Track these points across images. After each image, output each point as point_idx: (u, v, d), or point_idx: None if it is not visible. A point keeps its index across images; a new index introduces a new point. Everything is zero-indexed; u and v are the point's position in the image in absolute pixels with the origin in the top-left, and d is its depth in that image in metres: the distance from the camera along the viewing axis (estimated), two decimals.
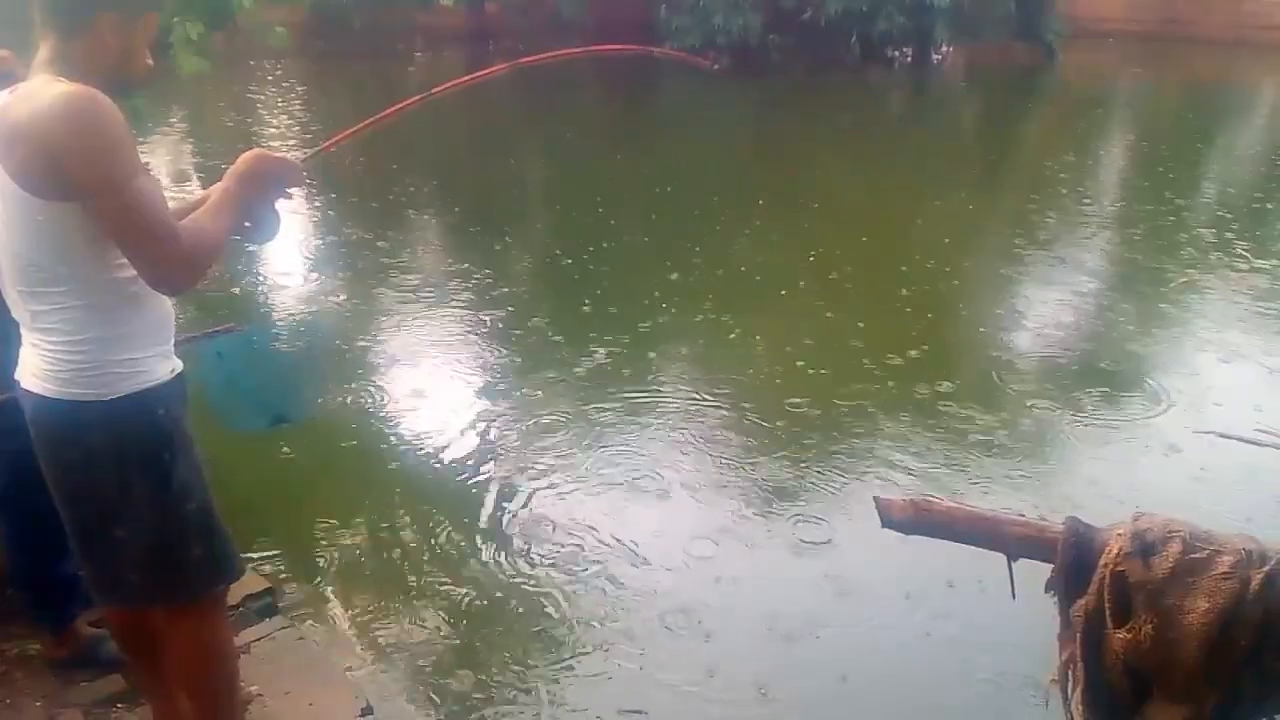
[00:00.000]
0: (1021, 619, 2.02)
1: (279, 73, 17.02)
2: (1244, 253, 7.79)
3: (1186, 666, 1.67)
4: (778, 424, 4.99)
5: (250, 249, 7.18)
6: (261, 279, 7.22)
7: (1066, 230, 8.61)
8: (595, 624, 3.56)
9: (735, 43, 17.36)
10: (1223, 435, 3.39)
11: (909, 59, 19.20)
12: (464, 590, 3.74)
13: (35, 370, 2.02)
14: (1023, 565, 1.90)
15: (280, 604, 3.42)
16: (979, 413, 5.08)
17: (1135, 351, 6.06)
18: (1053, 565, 1.82)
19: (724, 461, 4.66)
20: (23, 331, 2.05)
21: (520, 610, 3.63)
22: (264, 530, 4.00)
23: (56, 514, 2.16)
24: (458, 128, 12.46)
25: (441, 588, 3.76)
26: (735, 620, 3.59)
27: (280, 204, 2.20)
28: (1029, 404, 5.24)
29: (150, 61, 2.08)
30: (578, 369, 5.62)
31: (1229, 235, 8.28)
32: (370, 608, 3.64)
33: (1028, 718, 2.99)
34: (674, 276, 7.12)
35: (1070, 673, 1.80)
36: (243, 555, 2.44)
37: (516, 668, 3.37)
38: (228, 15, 7.34)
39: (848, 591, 3.74)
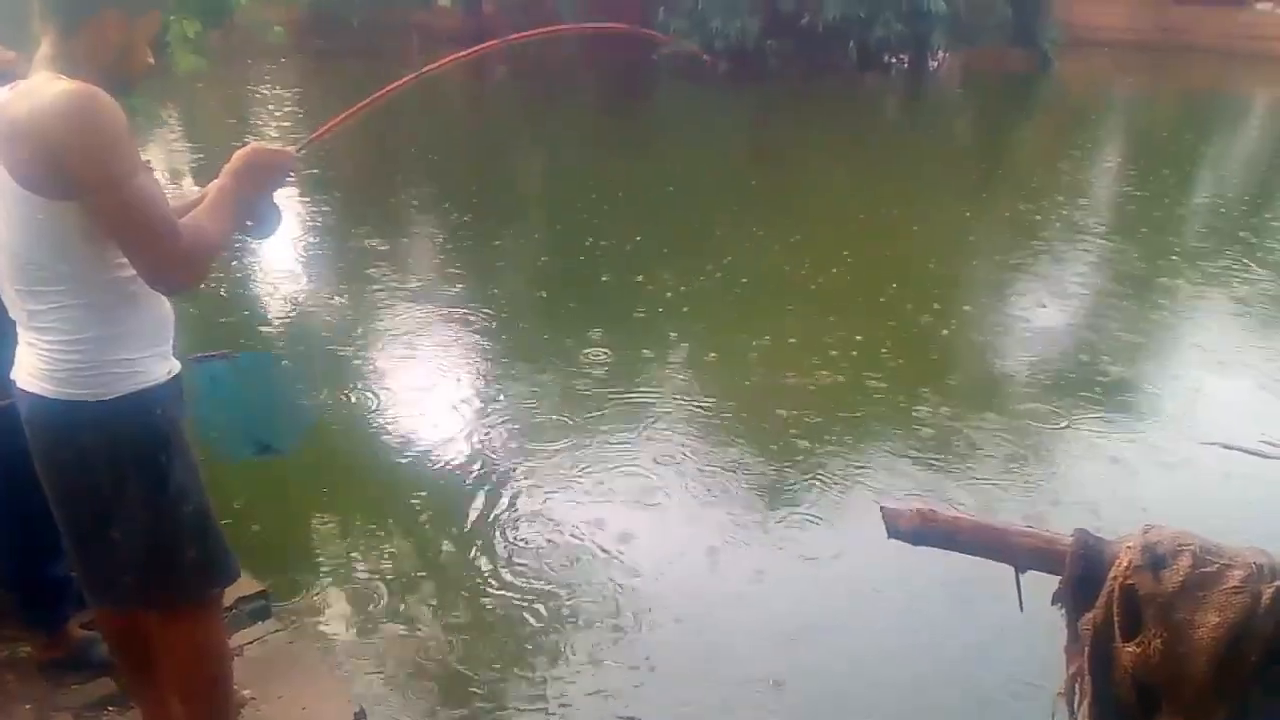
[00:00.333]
0: (1027, 630, 2.00)
1: (276, 71, 16.99)
2: (1244, 260, 7.80)
3: (1196, 681, 1.65)
4: (775, 429, 4.98)
5: (252, 245, 7.15)
6: (252, 279, 7.18)
7: (1064, 237, 8.60)
8: (591, 628, 3.54)
9: (733, 47, 17.36)
10: (1227, 446, 3.37)
11: (906, 65, 19.23)
12: (459, 593, 3.71)
13: (32, 370, 1.99)
14: (1029, 577, 1.88)
15: (274, 607, 3.38)
16: (978, 420, 5.06)
17: (1138, 361, 6.04)
18: (1060, 577, 1.80)
19: (721, 466, 4.64)
20: (19, 330, 2.02)
21: (516, 614, 3.61)
22: (257, 532, 3.97)
23: (48, 515, 2.14)
24: (456, 131, 12.46)
25: (436, 591, 3.74)
26: (735, 624, 3.57)
27: (280, 197, 2.19)
28: (1029, 414, 5.22)
29: (151, 59, 2.06)
30: (574, 371, 5.60)
31: (1227, 243, 8.29)
32: (364, 611, 3.62)
33: None
34: (669, 281, 7.10)
35: (1077, 686, 1.78)
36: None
37: (511, 672, 3.35)
38: (224, 13, 7.32)
39: (851, 598, 3.73)
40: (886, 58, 18.93)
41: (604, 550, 3.95)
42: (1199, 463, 4.59)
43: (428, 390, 5.43)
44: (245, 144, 2.14)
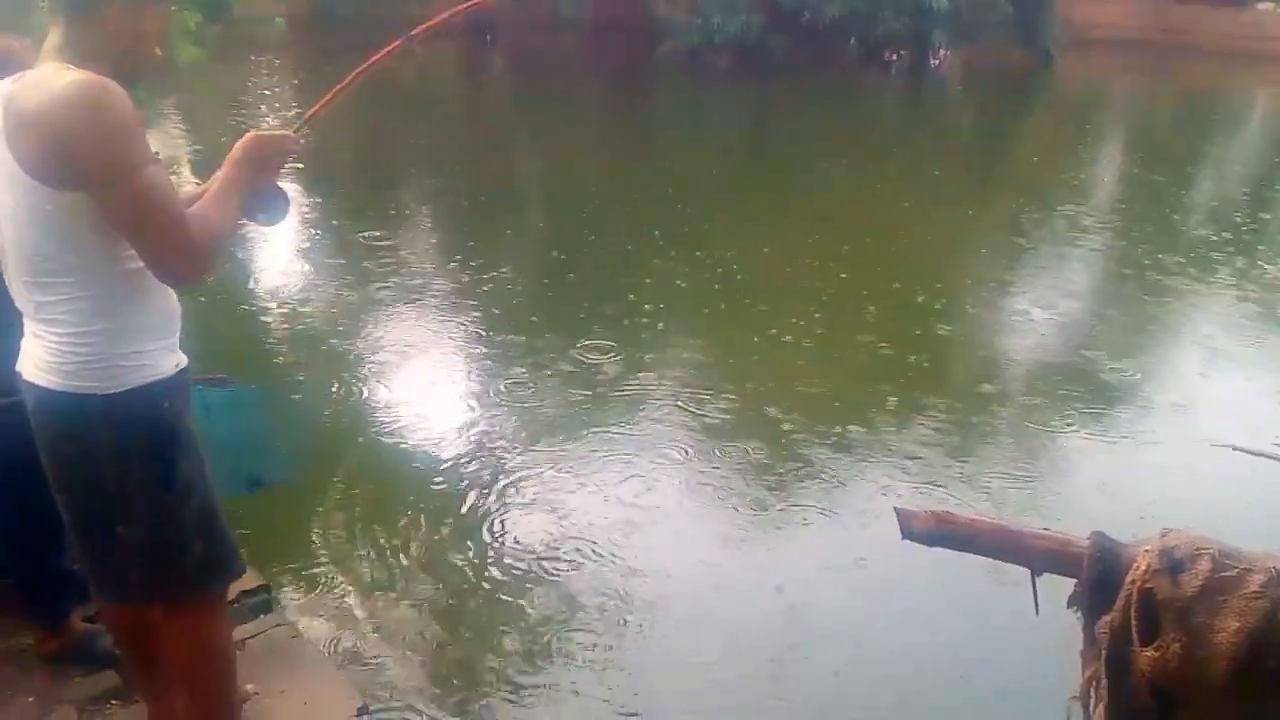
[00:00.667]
0: (1043, 633, 1.98)
1: (276, 64, 16.93)
2: (1246, 260, 7.79)
3: (1214, 686, 1.64)
4: (777, 428, 4.97)
5: (261, 233, 7.11)
6: (251, 274, 7.15)
7: (1065, 236, 8.61)
8: (592, 627, 3.52)
9: (734, 43, 17.34)
10: (1238, 449, 3.36)
11: (907, 62, 19.21)
12: (461, 589, 3.70)
13: (38, 362, 1.97)
14: (1044, 579, 1.87)
15: (276, 601, 3.36)
16: (979, 419, 5.06)
17: (1147, 363, 6.04)
18: (1076, 580, 1.79)
19: (721, 465, 4.63)
20: (26, 322, 2.00)
21: (517, 611, 3.60)
22: (260, 526, 3.94)
23: (52, 508, 2.12)
24: (455, 127, 12.42)
25: (438, 586, 3.73)
26: (736, 623, 3.56)
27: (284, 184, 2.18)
28: (1034, 416, 5.21)
29: (160, 51, 2.04)
30: (574, 370, 5.58)
31: (1230, 242, 8.28)
32: (366, 606, 3.60)
33: None
34: (668, 278, 7.08)
35: (1093, 690, 1.77)
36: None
37: (513, 667, 3.34)
38: (225, 6, 7.29)
39: (854, 596, 3.72)
40: (888, 55, 18.94)
41: (604, 550, 3.93)
42: (1209, 464, 4.53)
43: (429, 388, 5.42)
44: (246, 132, 2.13)
